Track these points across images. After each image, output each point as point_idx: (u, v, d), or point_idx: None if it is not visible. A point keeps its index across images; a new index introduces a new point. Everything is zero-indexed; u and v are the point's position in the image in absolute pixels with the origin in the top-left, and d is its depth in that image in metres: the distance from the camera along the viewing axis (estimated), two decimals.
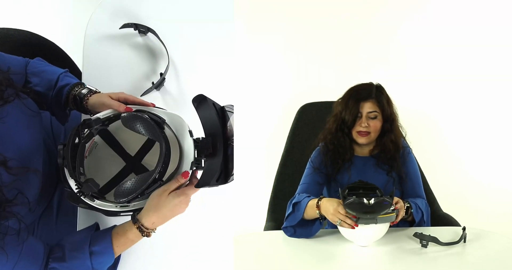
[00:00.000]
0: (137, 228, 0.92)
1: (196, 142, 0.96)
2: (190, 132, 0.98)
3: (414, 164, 1.40)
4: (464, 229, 1.23)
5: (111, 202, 0.95)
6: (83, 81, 1.14)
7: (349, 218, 1.14)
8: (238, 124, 1.02)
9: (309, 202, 1.23)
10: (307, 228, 1.27)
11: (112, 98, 0.99)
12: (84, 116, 1.14)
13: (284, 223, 1.29)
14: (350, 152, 1.38)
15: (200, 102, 0.91)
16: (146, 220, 0.92)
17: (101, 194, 0.96)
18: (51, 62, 1.13)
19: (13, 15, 2.17)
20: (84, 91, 1.04)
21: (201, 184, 0.88)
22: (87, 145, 0.99)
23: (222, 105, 0.98)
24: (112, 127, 1.02)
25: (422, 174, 1.49)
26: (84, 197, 0.93)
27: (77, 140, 0.96)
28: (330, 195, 1.39)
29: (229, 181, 0.95)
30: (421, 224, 1.28)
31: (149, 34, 1.22)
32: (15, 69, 0.99)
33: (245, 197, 1.83)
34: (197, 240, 1.11)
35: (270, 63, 2.14)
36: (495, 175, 2.08)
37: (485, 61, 2.06)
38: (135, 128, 0.97)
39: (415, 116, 2.04)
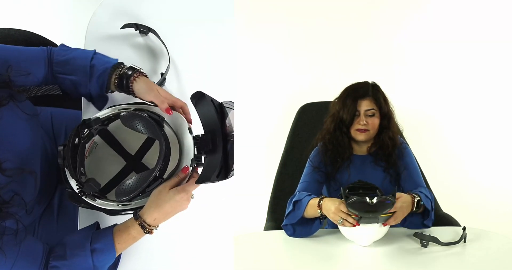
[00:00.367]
0: (139, 224, 0.92)
1: (196, 139, 0.96)
2: (190, 129, 0.98)
3: (411, 157, 1.41)
4: (464, 229, 1.23)
5: (113, 201, 0.95)
6: None
7: (351, 217, 1.14)
8: (238, 124, 1.03)
9: (310, 201, 1.24)
10: (306, 226, 1.27)
11: (160, 93, 0.98)
12: (84, 116, 1.14)
13: (284, 221, 1.29)
14: (349, 151, 1.38)
15: (199, 98, 0.91)
16: (148, 216, 0.92)
17: (102, 194, 0.96)
18: None
19: (14, 15, 2.17)
20: (129, 71, 1.00)
21: (201, 180, 0.89)
22: (87, 145, 0.99)
23: (220, 102, 0.98)
24: (111, 126, 1.02)
25: (422, 174, 1.49)
26: (85, 197, 0.93)
27: (77, 141, 0.96)
28: (329, 194, 1.39)
29: (229, 176, 0.95)
30: (431, 213, 1.26)
31: (150, 34, 1.22)
32: (33, 62, 0.98)
33: (245, 197, 1.83)
34: (197, 239, 1.11)
35: (270, 63, 2.15)
36: (495, 175, 2.08)
37: (485, 60, 2.07)
38: (135, 126, 0.97)
39: (415, 116, 2.04)
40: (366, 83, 1.40)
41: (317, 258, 1.19)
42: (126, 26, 1.19)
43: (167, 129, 0.98)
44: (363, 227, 1.15)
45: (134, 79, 1.00)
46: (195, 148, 0.96)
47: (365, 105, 1.35)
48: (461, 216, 1.43)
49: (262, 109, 2.13)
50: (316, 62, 2.14)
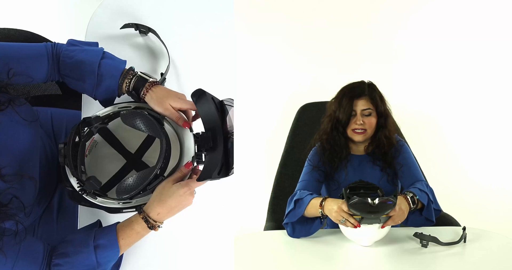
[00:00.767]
0: (142, 218, 0.92)
1: (196, 137, 0.97)
2: (190, 127, 0.99)
3: (408, 153, 1.41)
4: (464, 229, 1.23)
5: (113, 199, 0.95)
6: None
7: (353, 217, 1.14)
8: (238, 125, 1.03)
9: (312, 201, 1.24)
10: (306, 226, 1.27)
11: (172, 106, 0.96)
12: (84, 115, 1.14)
13: (285, 220, 1.29)
14: (346, 151, 1.38)
15: (199, 96, 0.92)
16: (151, 210, 0.91)
17: (102, 192, 0.96)
18: None
19: (14, 16, 2.18)
20: (139, 83, 0.99)
21: (203, 177, 0.89)
22: (87, 143, 0.99)
23: (220, 99, 0.98)
24: (111, 125, 1.03)
25: (422, 174, 1.49)
26: (86, 195, 0.93)
27: (77, 139, 0.97)
28: (328, 193, 1.40)
29: (230, 174, 0.96)
30: (430, 205, 1.26)
31: (150, 34, 1.22)
32: (35, 59, 0.96)
33: (245, 197, 1.83)
34: (197, 239, 1.11)
35: (270, 63, 2.15)
36: (495, 175, 2.08)
37: (486, 60, 2.07)
38: (135, 125, 0.97)
39: (415, 116, 2.04)
40: (362, 82, 1.40)
41: (317, 258, 1.19)
42: (126, 26, 1.19)
43: (167, 127, 0.99)
44: (364, 228, 1.15)
45: (147, 91, 0.98)
46: (196, 146, 0.97)
47: (361, 105, 1.35)
48: (461, 216, 1.43)
49: (262, 109, 2.13)
50: (316, 62, 2.14)
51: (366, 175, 1.36)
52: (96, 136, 1.02)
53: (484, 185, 2.07)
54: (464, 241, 1.21)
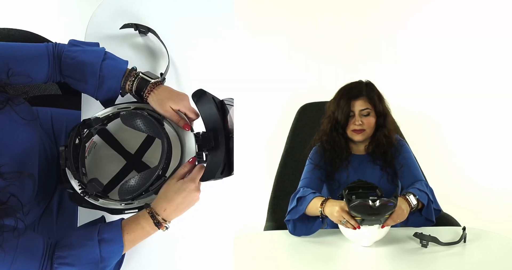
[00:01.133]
0: (148, 213, 0.91)
1: (197, 136, 0.97)
2: (190, 129, 0.99)
3: (408, 152, 1.40)
4: (464, 229, 1.23)
5: (115, 200, 0.95)
6: None
7: (354, 219, 1.14)
8: (238, 125, 1.03)
9: (314, 200, 1.23)
10: (308, 224, 1.27)
11: (173, 109, 0.97)
12: (84, 115, 1.14)
13: (286, 217, 1.29)
14: (346, 151, 1.38)
15: (200, 96, 0.92)
16: (157, 205, 0.91)
17: (104, 193, 0.96)
18: None
19: (14, 16, 2.18)
20: (142, 84, 0.99)
21: (206, 177, 0.89)
22: (86, 145, 0.99)
23: (221, 99, 0.98)
24: (110, 126, 1.02)
25: (422, 173, 1.49)
26: (88, 197, 0.93)
27: (77, 141, 0.97)
28: (330, 192, 1.39)
29: (232, 173, 0.96)
30: (430, 205, 1.26)
31: (149, 34, 1.22)
32: (35, 59, 0.96)
33: (245, 197, 1.83)
34: (197, 239, 1.11)
35: (270, 63, 2.15)
36: (495, 175, 2.08)
37: (486, 60, 2.06)
38: (135, 125, 0.97)
39: (415, 116, 2.04)
40: (359, 82, 1.39)
41: (317, 258, 1.19)
42: (125, 26, 1.19)
43: (167, 127, 0.99)
44: (364, 228, 1.15)
45: (149, 93, 0.99)
46: (197, 146, 0.97)
47: (359, 105, 1.34)
48: (461, 216, 1.43)
49: (262, 109, 2.13)
50: (316, 61, 2.14)
51: (366, 175, 1.36)
52: (95, 137, 1.02)
53: (484, 185, 2.07)
54: (464, 241, 1.21)
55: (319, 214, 1.22)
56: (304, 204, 1.24)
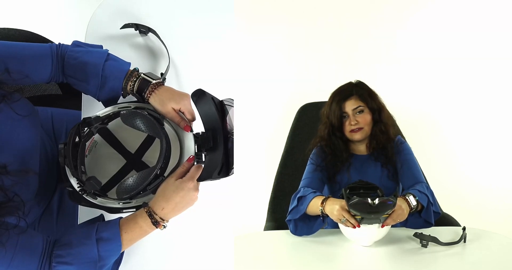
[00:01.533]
0: (146, 212, 0.91)
1: (196, 136, 0.97)
2: (191, 130, 0.99)
3: (409, 152, 1.41)
4: (464, 229, 1.23)
5: (113, 199, 0.95)
6: None
7: (354, 218, 1.14)
8: (238, 124, 1.03)
9: (314, 199, 1.24)
10: (309, 224, 1.27)
11: (174, 109, 0.98)
12: (84, 115, 1.14)
13: (288, 216, 1.29)
14: (347, 153, 1.38)
15: (199, 96, 0.92)
16: (155, 204, 0.91)
17: (103, 192, 0.96)
18: None
19: (14, 16, 2.18)
20: (143, 84, 1.00)
21: (203, 177, 0.89)
22: (87, 143, 0.99)
23: (220, 99, 0.99)
24: (111, 125, 1.03)
25: (423, 174, 1.49)
26: (86, 195, 0.93)
27: (77, 139, 0.97)
28: (331, 194, 1.39)
29: (230, 174, 0.96)
30: (429, 207, 1.26)
31: (150, 34, 1.22)
32: (39, 59, 0.96)
33: (245, 197, 1.83)
34: (197, 239, 1.11)
35: (270, 63, 2.15)
36: (495, 175, 2.08)
37: (486, 59, 2.06)
38: (135, 125, 0.98)
39: (415, 116, 2.04)
40: (349, 84, 1.41)
41: (317, 258, 1.19)
42: (126, 26, 1.19)
43: (167, 127, 0.99)
44: (364, 228, 1.15)
45: (150, 93, 1.00)
46: (196, 146, 0.97)
47: (350, 105, 1.35)
48: (461, 216, 1.43)
49: (262, 109, 2.13)
50: (316, 62, 2.14)
51: (368, 174, 1.36)
52: (96, 136, 1.02)
53: (484, 185, 2.07)
54: (464, 241, 1.21)
55: (319, 213, 1.22)
56: (305, 204, 1.24)
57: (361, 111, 1.35)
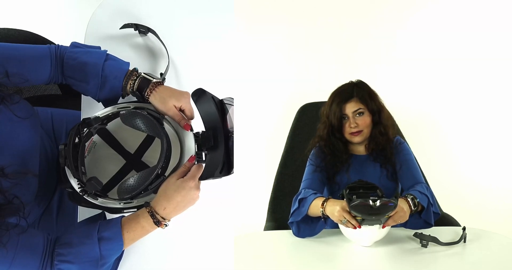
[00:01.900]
0: (148, 212, 0.91)
1: (196, 136, 0.97)
2: (191, 129, 0.99)
3: (408, 153, 1.40)
4: (464, 229, 1.23)
5: (114, 199, 0.95)
6: None
7: (354, 219, 1.14)
8: (238, 124, 1.03)
9: (315, 200, 1.24)
10: (311, 225, 1.27)
11: (176, 107, 0.98)
12: (84, 115, 1.14)
13: (290, 219, 1.29)
14: (346, 154, 1.38)
15: (200, 95, 0.92)
16: (157, 204, 0.91)
17: (103, 192, 0.96)
18: None
19: (14, 16, 2.18)
20: (143, 84, 1.00)
21: (205, 176, 0.89)
22: (86, 144, 0.99)
23: (220, 98, 0.99)
24: (110, 125, 1.03)
25: (422, 174, 1.49)
26: (87, 196, 0.93)
27: (77, 140, 0.97)
28: (330, 194, 1.39)
29: (231, 172, 0.96)
30: (429, 208, 1.25)
31: (149, 34, 1.22)
32: (38, 60, 0.96)
33: (245, 197, 1.83)
34: (197, 239, 1.11)
35: (270, 63, 2.15)
36: (495, 175, 2.08)
37: (486, 59, 2.06)
38: (135, 125, 0.98)
39: (415, 116, 2.04)
40: (349, 84, 1.40)
41: (317, 258, 1.19)
42: (125, 26, 1.19)
43: (167, 126, 0.99)
44: (365, 228, 1.15)
45: (150, 92, 1.00)
46: (196, 145, 0.97)
47: (351, 107, 1.34)
48: (461, 216, 1.43)
49: (262, 109, 2.13)
50: (316, 62, 2.14)
51: (367, 175, 1.36)
52: (95, 137, 1.02)
53: (484, 185, 2.07)
54: (464, 241, 1.21)
55: (320, 214, 1.22)
56: (306, 205, 1.24)
57: (361, 113, 1.35)
